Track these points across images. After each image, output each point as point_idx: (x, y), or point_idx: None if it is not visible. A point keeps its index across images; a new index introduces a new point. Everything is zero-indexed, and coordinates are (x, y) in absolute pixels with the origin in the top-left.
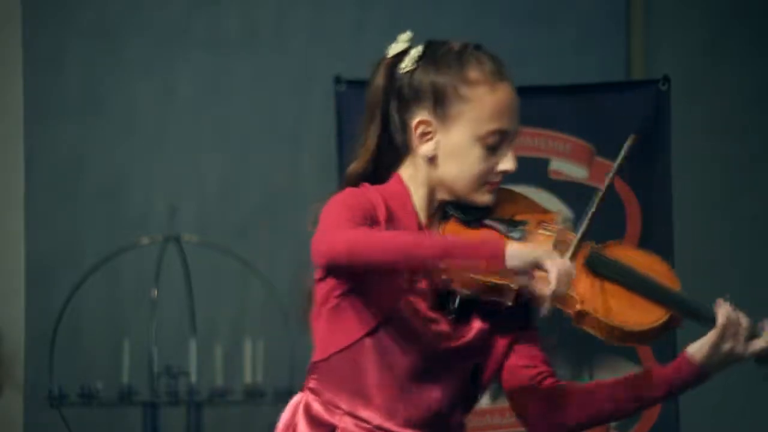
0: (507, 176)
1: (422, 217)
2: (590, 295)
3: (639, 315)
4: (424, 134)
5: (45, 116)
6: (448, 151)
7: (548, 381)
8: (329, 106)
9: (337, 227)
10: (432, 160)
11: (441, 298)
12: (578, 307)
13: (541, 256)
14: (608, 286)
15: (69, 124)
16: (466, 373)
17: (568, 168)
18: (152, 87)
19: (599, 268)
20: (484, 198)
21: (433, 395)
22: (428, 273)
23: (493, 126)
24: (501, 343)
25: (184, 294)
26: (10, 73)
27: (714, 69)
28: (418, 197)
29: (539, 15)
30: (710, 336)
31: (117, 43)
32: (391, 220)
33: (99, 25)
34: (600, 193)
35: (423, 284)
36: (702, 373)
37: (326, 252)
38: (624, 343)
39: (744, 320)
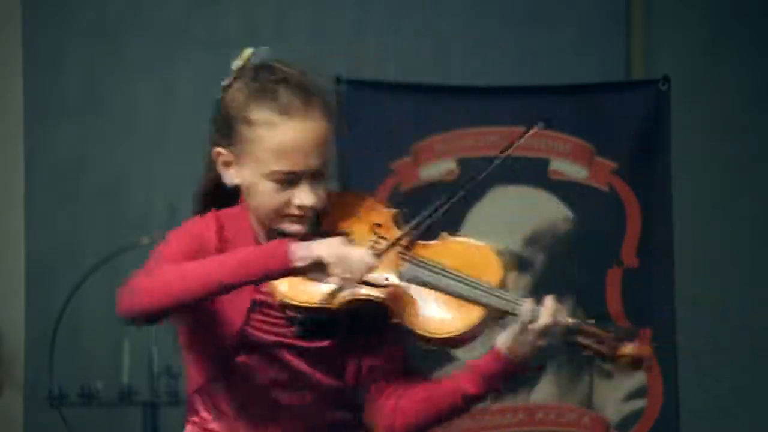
0: (507, 176)
1: (261, 237)
2: (404, 305)
3: (451, 319)
4: (224, 164)
5: (45, 116)
6: (244, 183)
7: (387, 392)
8: None
9: (137, 279)
10: (239, 188)
11: (291, 319)
12: (394, 320)
13: (320, 249)
14: (424, 291)
15: (69, 124)
16: (331, 383)
17: (568, 168)
18: (152, 87)
19: (414, 276)
20: (291, 228)
21: (302, 409)
22: (232, 289)
23: (277, 167)
24: (358, 351)
25: None
26: (10, 73)
27: (714, 69)
28: (256, 223)
29: (539, 15)
30: (512, 328)
31: (117, 43)
32: (223, 248)
33: (99, 25)
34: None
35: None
36: (509, 364)
37: (122, 310)
38: (446, 347)
39: (552, 313)
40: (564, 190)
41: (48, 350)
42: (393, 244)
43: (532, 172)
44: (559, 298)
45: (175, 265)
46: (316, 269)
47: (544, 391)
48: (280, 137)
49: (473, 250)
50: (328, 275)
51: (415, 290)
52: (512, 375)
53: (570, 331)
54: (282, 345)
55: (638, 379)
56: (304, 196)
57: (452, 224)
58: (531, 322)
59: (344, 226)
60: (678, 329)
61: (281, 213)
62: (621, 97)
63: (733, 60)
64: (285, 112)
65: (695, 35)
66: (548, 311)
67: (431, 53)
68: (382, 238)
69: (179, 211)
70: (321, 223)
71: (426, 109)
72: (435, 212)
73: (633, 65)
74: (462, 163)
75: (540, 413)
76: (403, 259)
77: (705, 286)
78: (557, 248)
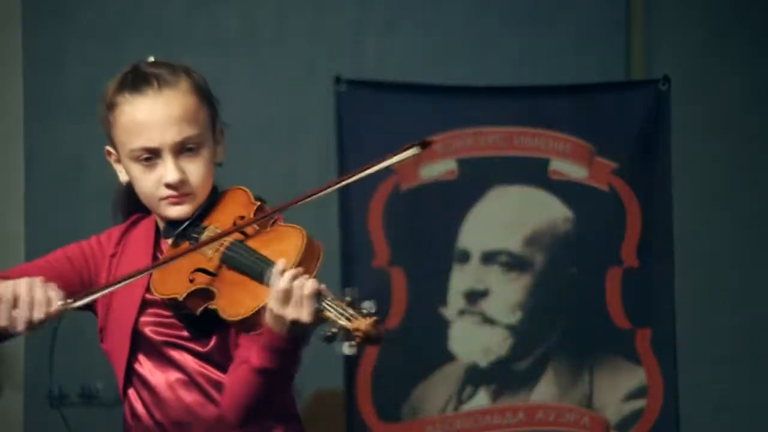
0: (507, 176)
1: (163, 230)
2: (224, 293)
3: (250, 300)
4: (115, 162)
5: (45, 116)
6: (128, 174)
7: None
8: (329, 106)
9: None
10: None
11: (178, 317)
12: (211, 305)
13: (2, 286)
14: (240, 278)
15: (69, 124)
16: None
17: (568, 168)
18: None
19: (230, 262)
20: (170, 212)
21: (203, 407)
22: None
23: (134, 144)
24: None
25: None
26: (10, 73)
27: (714, 69)
28: (159, 218)
29: (539, 15)
30: (269, 302)
31: (117, 43)
32: (117, 252)
33: (99, 25)
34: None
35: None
36: (273, 334)
37: None
38: (245, 329)
39: (293, 283)
40: (564, 190)
41: (48, 350)
42: (212, 238)
43: (532, 172)
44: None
45: None
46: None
47: (544, 391)
48: (132, 113)
49: (282, 234)
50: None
51: (236, 276)
52: (284, 346)
53: (319, 307)
54: (172, 345)
55: (638, 379)
56: (169, 173)
57: (452, 224)
58: (274, 295)
59: (214, 220)
60: (678, 329)
61: (157, 196)
62: (621, 97)
63: (733, 60)
64: (140, 88)
65: (695, 35)
66: (285, 277)
67: (431, 53)
68: (241, 231)
69: None
70: (203, 218)
71: (426, 109)
72: (279, 206)
73: (633, 65)
74: (462, 163)
75: (540, 413)
76: (228, 246)
77: (705, 286)
78: (557, 248)
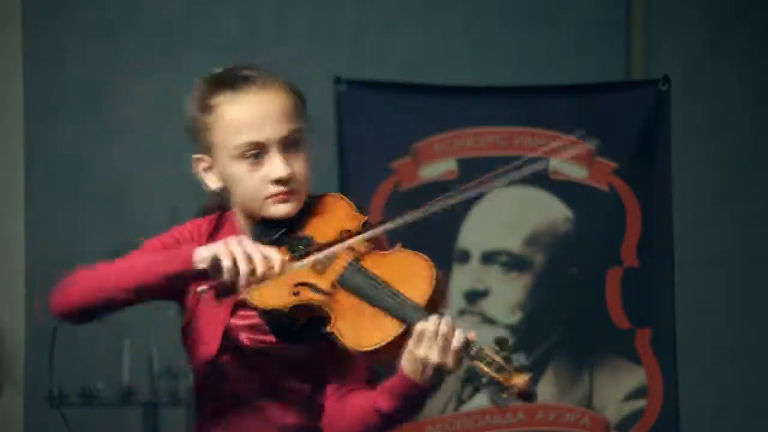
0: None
1: (247, 233)
2: (340, 316)
3: (377, 333)
4: (205, 170)
5: (45, 116)
6: (224, 177)
7: (330, 393)
8: (329, 106)
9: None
10: (226, 189)
11: (267, 324)
12: (328, 329)
13: (218, 249)
14: (357, 303)
15: (69, 124)
16: (305, 389)
17: (568, 168)
18: (152, 87)
19: (348, 283)
20: (277, 211)
21: (279, 413)
22: (148, 292)
23: (241, 140)
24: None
25: None
26: (10, 73)
27: (714, 69)
28: (243, 222)
29: (539, 15)
30: (408, 343)
31: (117, 43)
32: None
33: (99, 25)
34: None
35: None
36: (408, 381)
37: (51, 306)
38: (373, 361)
39: (443, 329)
40: (564, 190)
41: (48, 350)
42: (317, 249)
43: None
44: (462, 327)
45: (106, 264)
46: (216, 269)
47: (544, 391)
48: (237, 110)
49: (410, 264)
50: (227, 273)
51: (349, 299)
52: (417, 394)
53: (467, 355)
54: (261, 351)
55: (638, 379)
56: (277, 168)
57: (452, 224)
58: (419, 338)
59: (315, 229)
60: (678, 329)
61: (262, 195)
62: (621, 97)
63: (733, 60)
64: (239, 88)
65: (695, 35)
66: (434, 327)
67: (431, 53)
68: (354, 248)
69: (179, 210)
70: (300, 225)
71: (426, 109)
72: (392, 221)
73: (633, 65)
74: (462, 163)
75: (540, 413)
76: (345, 267)
77: (705, 286)
78: (557, 248)
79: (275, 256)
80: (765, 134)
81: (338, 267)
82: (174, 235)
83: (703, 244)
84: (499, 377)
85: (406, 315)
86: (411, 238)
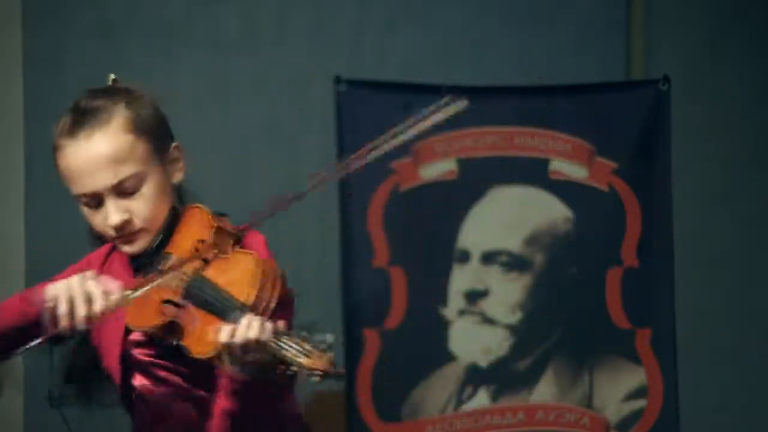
0: (507, 176)
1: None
2: (189, 330)
3: (213, 339)
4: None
5: (45, 116)
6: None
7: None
8: (329, 106)
9: None
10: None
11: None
12: (180, 342)
13: (53, 288)
14: (202, 312)
15: None
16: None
17: (568, 168)
18: (152, 87)
19: (192, 296)
20: (125, 249)
21: (184, 414)
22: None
23: (73, 191)
24: None
25: None
26: (10, 73)
27: (714, 69)
28: None
29: (539, 15)
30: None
31: (117, 43)
32: (104, 272)
33: (99, 25)
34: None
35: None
36: (227, 376)
37: None
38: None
39: (242, 326)
40: (564, 190)
41: (48, 350)
42: (170, 268)
43: (532, 172)
44: (266, 320)
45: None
46: (52, 315)
47: (544, 391)
48: (64, 161)
49: (239, 264)
50: (61, 311)
51: (199, 310)
52: (244, 388)
53: (275, 346)
54: (158, 366)
55: (638, 379)
56: (109, 216)
57: (452, 224)
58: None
59: (177, 244)
60: (678, 329)
61: (108, 234)
62: (621, 97)
63: (733, 60)
64: (70, 134)
65: (695, 35)
66: (240, 329)
67: (431, 53)
68: (202, 258)
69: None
70: (166, 241)
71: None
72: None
73: (633, 65)
74: (462, 163)
75: (540, 413)
76: (188, 280)
77: (705, 286)
78: (557, 248)
79: (113, 289)
80: (765, 134)
81: (184, 282)
82: (74, 268)
83: (703, 244)
84: (305, 363)
85: (234, 317)
86: (411, 238)
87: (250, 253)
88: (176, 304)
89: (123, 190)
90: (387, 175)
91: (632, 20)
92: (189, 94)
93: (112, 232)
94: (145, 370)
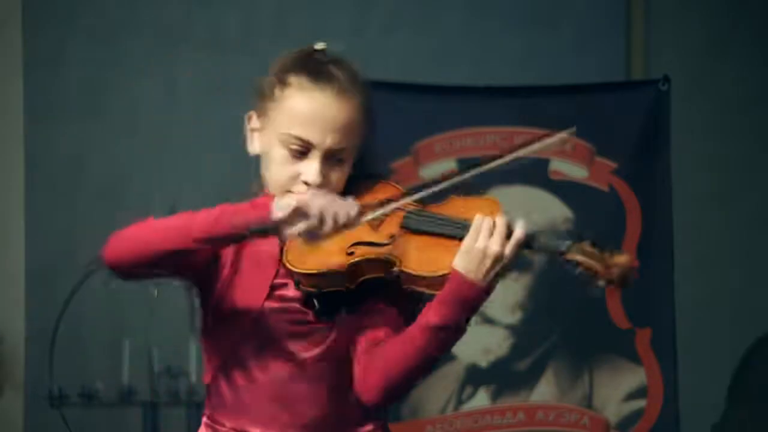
0: (507, 176)
1: None
2: (405, 254)
3: (448, 255)
4: (252, 130)
5: (45, 116)
6: (264, 150)
7: (365, 348)
8: None
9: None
10: (260, 158)
11: (306, 298)
12: (396, 268)
13: (301, 198)
14: (424, 240)
15: (69, 124)
16: (342, 367)
17: (568, 168)
18: (152, 87)
19: (412, 226)
20: None
21: (314, 396)
22: (215, 243)
23: (293, 131)
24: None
25: (184, 294)
26: (10, 73)
27: (714, 69)
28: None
29: (539, 16)
30: (464, 239)
31: (117, 43)
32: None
33: (99, 25)
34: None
35: (281, 293)
36: (463, 279)
37: (105, 258)
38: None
39: (502, 219)
40: (564, 190)
41: (48, 350)
42: (384, 203)
43: (532, 172)
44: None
45: (164, 218)
46: (298, 217)
47: (544, 391)
48: (305, 103)
49: (475, 203)
50: (312, 222)
51: (414, 239)
52: (471, 295)
53: (531, 247)
54: (292, 334)
55: (638, 379)
56: (310, 173)
57: None
58: (477, 231)
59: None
60: (678, 329)
61: (287, 188)
62: (621, 97)
63: (734, 60)
64: (321, 82)
65: (695, 35)
66: (492, 219)
67: (431, 53)
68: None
69: (179, 210)
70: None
71: (426, 109)
72: (440, 183)
73: (633, 65)
74: (462, 163)
75: (540, 413)
76: (404, 215)
77: (705, 286)
78: None
79: (354, 205)
80: (765, 134)
81: (396, 219)
82: None
83: (703, 244)
84: (596, 265)
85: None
86: None
87: (484, 197)
88: (377, 244)
89: (334, 155)
90: (387, 175)
91: (632, 20)
92: (189, 94)
93: (298, 188)
94: (271, 338)
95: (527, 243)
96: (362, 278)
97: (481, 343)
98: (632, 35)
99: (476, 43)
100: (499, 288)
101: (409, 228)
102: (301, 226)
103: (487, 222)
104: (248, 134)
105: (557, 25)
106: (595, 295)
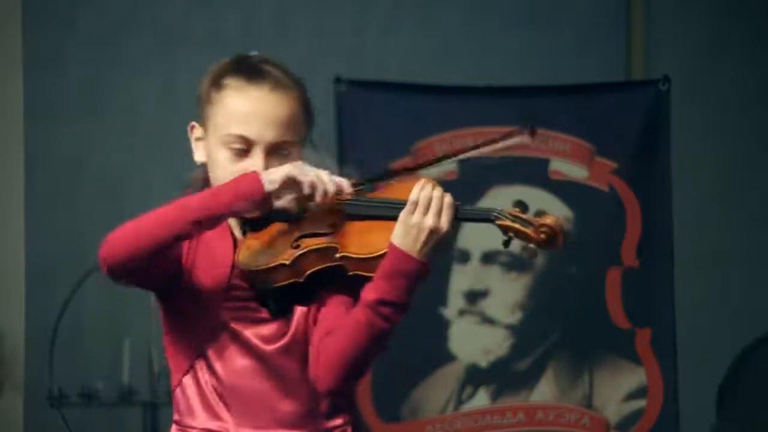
0: (507, 176)
1: (234, 226)
2: (347, 240)
3: (386, 235)
4: (196, 139)
5: (45, 116)
6: (209, 155)
7: (320, 337)
8: (329, 106)
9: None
10: (206, 167)
11: (261, 297)
12: (338, 254)
13: (288, 168)
14: (366, 224)
15: (69, 124)
16: (305, 360)
17: (568, 168)
18: (152, 87)
19: (353, 212)
20: None
21: (280, 390)
22: (209, 223)
23: (233, 130)
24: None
25: None
26: (10, 73)
27: (714, 69)
28: None
29: (539, 16)
30: (400, 214)
31: (117, 43)
32: (199, 239)
33: (99, 25)
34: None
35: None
36: (400, 253)
37: (101, 260)
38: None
39: (436, 192)
40: (564, 190)
41: (48, 350)
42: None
43: (532, 172)
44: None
45: (154, 210)
46: (289, 188)
47: (544, 391)
48: (242, 101)
49: (412, 184)
50: (302, 190)
51: (356, 225)
52: (410, 269)
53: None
54: (254, 331)
55: (638, 379)
56: (254, 167)
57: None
58: (412, 207)
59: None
60: (678, 329)
61: None
62: (621, 97)
63: (734, 60)
64: (256, 80)
65: (695, 35)
66: (426, 192)
67: (431, 53)
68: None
69: None
70: None
71: (426, 109)
72: (386, 176)
73: (633, 65)
74: (462, 163)
75: (540, 413)
76: (343, 201)
77: (705, 286)
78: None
79: (344, 180)
80: (765, 134)
81: (337, 208)
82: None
83: (703, 244)
84: (525, 227)
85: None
86: None
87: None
88: (321, 234)
89: (277, 150)
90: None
91: (632, 20)
92: (189, 94)
93: None
94: (231, 337)
95: (458, 214)
96: (311, 270)
97: (481, 343)
98: (632, 35)
99: (476, 43)
100: (499, 288)
101: (350, 215)
102: (289, 197)
103: (422, 196)
104: (192, 144)
105: (557, 25)
106: (588, 288)
